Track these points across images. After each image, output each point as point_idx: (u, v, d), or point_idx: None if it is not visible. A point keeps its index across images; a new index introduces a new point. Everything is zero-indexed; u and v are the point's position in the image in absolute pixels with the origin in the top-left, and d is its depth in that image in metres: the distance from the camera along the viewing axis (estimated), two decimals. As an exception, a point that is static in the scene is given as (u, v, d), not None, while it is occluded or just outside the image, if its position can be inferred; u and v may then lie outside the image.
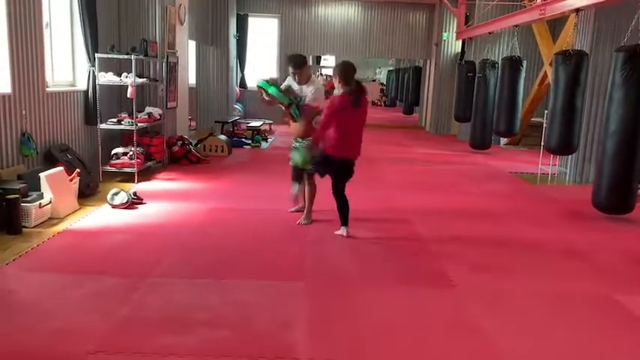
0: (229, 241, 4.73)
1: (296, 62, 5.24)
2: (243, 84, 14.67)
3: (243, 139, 10.86)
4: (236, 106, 13.89)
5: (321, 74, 28.45)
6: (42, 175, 5.15)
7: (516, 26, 9.06)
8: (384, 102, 26.37)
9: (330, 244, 4.74)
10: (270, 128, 12.83)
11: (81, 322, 3.16)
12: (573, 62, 6.58)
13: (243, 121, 12.68)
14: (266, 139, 11.42)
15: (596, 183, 5.80)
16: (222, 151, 9.29)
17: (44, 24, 5.84)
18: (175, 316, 3.28)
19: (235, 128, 11.55)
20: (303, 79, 5.23)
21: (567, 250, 4.86)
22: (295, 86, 5.27)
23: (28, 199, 4.85)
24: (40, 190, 5.07)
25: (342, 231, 4.93)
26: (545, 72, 10.44)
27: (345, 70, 4.70)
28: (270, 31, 14.99)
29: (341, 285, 3.87)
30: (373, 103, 26.57)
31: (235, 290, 3.68)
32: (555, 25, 11.00)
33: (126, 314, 3.27)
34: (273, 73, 15.12)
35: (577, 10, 6.85)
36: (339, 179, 4.87)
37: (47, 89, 5.92)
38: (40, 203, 4.91)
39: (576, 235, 5.37)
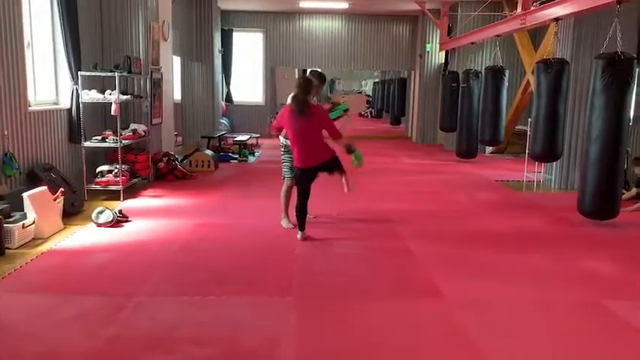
0: (216, 257, 4.70)
1: (322, 77, 5.71)
2: (229, 98, 14.68)
3: (229, 154, 10.83)
4: (222, 120, 13.88)
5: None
6: (25, 195, 5.08)
7: (498, 36, 9.16)
8: (371, 113, 26.50)
9: (319, 258, 4.72)
10: (257, 142, 12.82)
11: (66, 343, 3.11)
12: (554, 70, 6.67)
13: (229, 135, 12.66)
14: (253, 153, 11.40)
15: (580, 189, 5.85)
16: (208, 166, 9.26)
17: (26, 43, 5.80)
18: (162, 334, 3.23)
19: (222, 143, 11.53)
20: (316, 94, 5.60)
21: (554, 256, 4.88)
22: None
23: (11, 219, 4.79)
24: (23, 211, 5.01)
25: (299, 235, 5.21)
26: (528, 80, 10.56)
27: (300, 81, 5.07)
28: (256, 45, 15.04)
29: (329, 299, 3.85)
30: (360, 115, 26.73)
31: (223, 307, 3.65)
32: (536, 34, 11.15)
33: (112, 334, 3.22)
34: (258, 87, 15.19)
35: (556, 20, 6.95)
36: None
37: (30, 108, 5.87)
38: (24, 223, 4.85)
39: (562, 242, 5.40)
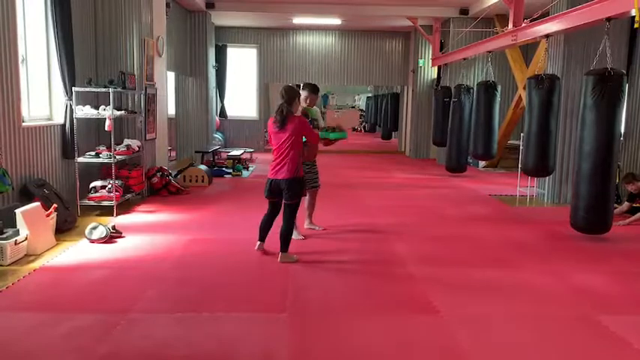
0: (210, 273, 4.68)
1: (315, 88, 5.87)
2: (223, 113, 14.72)
3: (223, 169, 10.83)
4: (216, 135, 13.90)
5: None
6: (18, 211, 5.05)
7: (490, 52, 9.27)
8: (364, 128, 26.62)
9: (312, 274, 4.71)
10: (251, 157, 12.84)
11: (58, 362, 3.08)
12: (546, 86, 6.74)
13: (223, 150, 12.66)
14: (247, 168, 11.41)
15: (573, 204, 5.88)
16: (202, 181, 9.25)
17: (20, 58, 5.81)
18: (156, 351, 3.21)
19: (216, 158, 11.53)
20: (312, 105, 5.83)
21: (548, 271, 4.90)
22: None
23: (4, 236, 4.76)
24: (15, 227, 4.97)
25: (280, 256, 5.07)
26: (520, 95, 10.66)
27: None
28: (249, 60, 15.13)
29: (324, 315, 3.83)
30: (353, 129, 26.84)
31: (217, 323, 3.63)
32: (528, 49, 11.28)
33: (105, 352, 3.19)
34: (252, 101, 15.25)
35: (547, 36, 7.05)
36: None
37: (23, 124, 5.86)
38: (16, 240, 4.81)
39: (556, 256, 5.41)
